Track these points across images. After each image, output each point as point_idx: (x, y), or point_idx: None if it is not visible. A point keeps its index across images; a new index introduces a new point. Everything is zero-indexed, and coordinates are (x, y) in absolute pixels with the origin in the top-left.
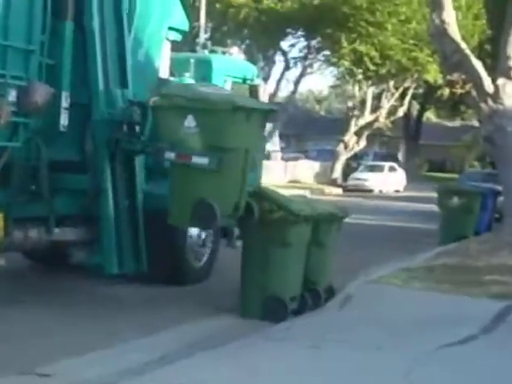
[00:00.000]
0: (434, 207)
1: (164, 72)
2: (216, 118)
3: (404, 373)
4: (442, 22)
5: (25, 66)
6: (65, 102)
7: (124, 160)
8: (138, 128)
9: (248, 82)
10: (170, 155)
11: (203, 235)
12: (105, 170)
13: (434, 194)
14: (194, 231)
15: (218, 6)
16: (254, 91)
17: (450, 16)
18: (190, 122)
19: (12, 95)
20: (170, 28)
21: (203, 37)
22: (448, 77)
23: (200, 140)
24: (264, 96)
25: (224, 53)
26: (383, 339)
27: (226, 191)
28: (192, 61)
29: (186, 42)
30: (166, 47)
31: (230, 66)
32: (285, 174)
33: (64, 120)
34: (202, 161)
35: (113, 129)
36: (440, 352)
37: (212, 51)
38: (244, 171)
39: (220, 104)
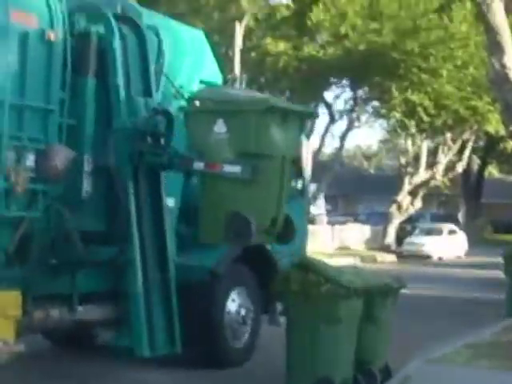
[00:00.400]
0: (500, 274)
1: None
2: (248, 120)
3: None
4: (503, 66)
5: (43, 127)
6: (87, 166)
7: (149, 179)
8: (163, 139)
9: None
10: (199, 165)
11: (243, 311)
12: (128, 192)
13: (500, 259)
14: (232, 307)
15: (253, 54)
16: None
17: (511, 60)
18: (220, 126)
19: (29, 159)
20: (202, 81)
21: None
22: (511, 127)
23: (232, 147)
24: (307, 154)
25: None
26: None
27: (261, 203)
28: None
29: None
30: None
31: None
32: (332, 239)
33: (87, 186)
34: (234, 169)
35: (136, 140)
36: None
37: None
38: (281, 181)
39: (252, 105)
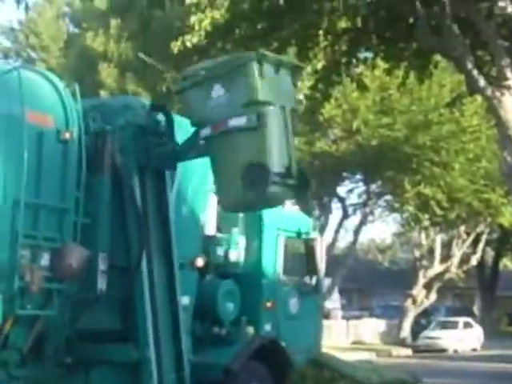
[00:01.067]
0: None
1: (210, 228)
2: (243, 73)
3: None
4: None
5: (58, 225)
6: (102, 265)
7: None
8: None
9: (303, 236)
10: (206, 131)
11: None
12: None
13: None
14: None
15: None
16: (309, 246)
17: None
18: (217, 91)
19: (45, 258)
20: None
21: None
22: None
23: (233, 105)
24: (321, 250)
25: None
26: None
27: (272, 151)
28: (241, 215)
29: None
30: (213, 201)
31: (283, 220)
32: (347, 334)
33: (101, 284)
34: (240, 121)
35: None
36: None
37: None
38: (286, 129)
39: (244, 58)
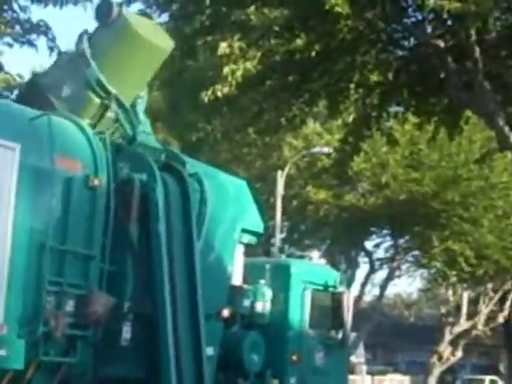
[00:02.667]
0: None
1: (237, 279)
2: None
3: None
4: None
5: (84, 272)
6: (127, 313)
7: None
8: None
9: (330, 289)
10: None
11: None
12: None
13: None
14: None
15: (294, 202)
16: (336, 299)
17: None
18: None
19: (69, 305)
20: (244, 230)
21: (279, 237)
22: None
23: None
24: (349, 304)
25: (303, 257)
26: None
27: None
28: (268, 266)
29: (260, 242)
30: (239, 251)
31: (311, 272)
32: None
33: (126, 333)
34: None
35: None
36: None
37: (290, 255)
38: None
39: None
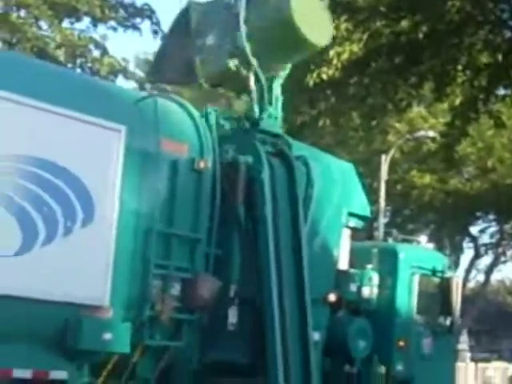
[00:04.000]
0: None
1: (343, 263)
2: None
3: None
4: None
5: (190, 256)
6: (233, 297)
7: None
8: None
9: (438, 274)
10: None
11: None
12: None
13: None
14: None
15: (399, 187)
16: (445, 285)
17: None
18: None
19: (176, 288)
20: (350, 214)
21: (382, 222)
22: None
23: None
24: (457, 290)
25: (410, 241)
26: None
27: None
28: (375, 251)
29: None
30: (346, 235)
31: (418, 257)
32: (475, 377)
33: (233, 317)
34: None
35: None
36: None
37: (397, 239)
38: None
39: None
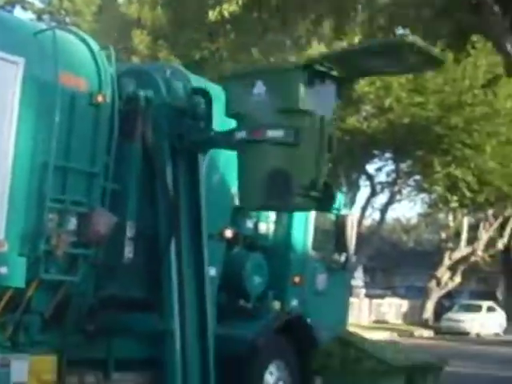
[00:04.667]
0: None
1: None
2: (287, 78)
3: None
4: None
5: (87, 190)
6: (130, 233)
7: (191, 245)
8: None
9: (334, 211)
10: (242, 134)
11: None
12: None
13: None
14: (270, 380)
15: None
16: (340, 222)
17: None
18: (259, 88)
19: (72, 223)
20: None
21: None
22: None
23: (272, 106)
24: (352, 227)
25: None
26: None
27: (301, 163)
28: None
29: None
30: None
31: None
32: (369, 313)
33: (128, 252)
34: (277, 134)
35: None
36: None
37: None
38: (322, 141)
39: (291, 64)
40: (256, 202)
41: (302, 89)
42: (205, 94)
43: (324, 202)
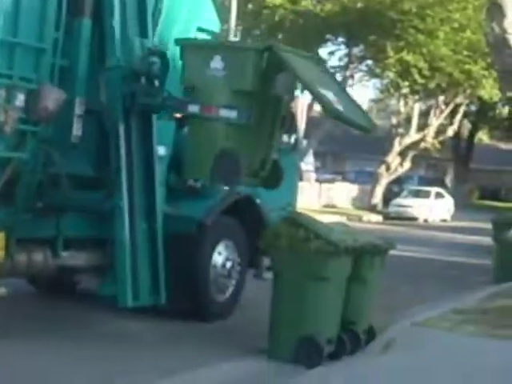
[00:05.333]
0: (487, 240)
1: None
2: (246, 58)
3: None
4: (504, 31)
5: (35, 66)
6: (78, 110)
7: (141, 125)
8: (157, 81)
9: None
10: (194, 108)
11: (229, 264)
12: (119, 137)
13: (486, 225)
14: (218, 259)
15: (250, 6)
16: (289, 103)
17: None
18: (216, 63)
19: (19, 99)
20: (200, 29)
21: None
22: (508, 93)
23: (227, 84)
24: (301, 109)
25: None
26: None
27: (251, 144)
28: None
29: None
30: None
31: None
32: (319, 197)
33: (77, 130)
34: (230, 114)
35: (129, 79)
36: None
37: None
38: (274, 123)
39: (251, 44)
40: (200, 176)
41: (259, 71)
42: (162, 55)
43: (271, 181)
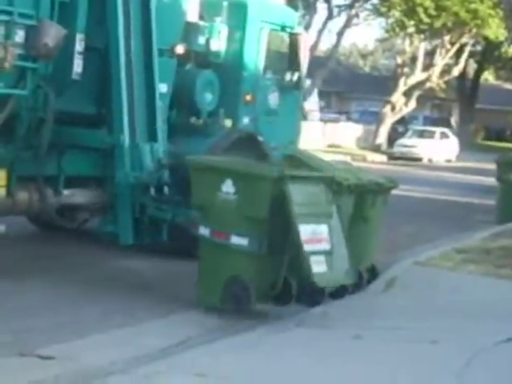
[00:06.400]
0: (491, 180)
1: (192, 15)
2: (259, 187)
3: (456, 371)
4: None
5: (35, 2)
6: (79, 46)
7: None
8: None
9: (287, 30)
10: (205, 231)
11: None
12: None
13: (490, 166)
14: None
15: None
16: (293, 41)
17: None
18: (228, 187)
19: (19, 36)
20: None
21: None
22: None
23: (239, 210)
24: (305, 47)
25: None
26: (433, 329)
27: (263, 271)
28: (225, 4)
29: None
30: None
31: (268, 12)
32: (323, 136)
33: (77, 67)
34: (241, 241)
35: (138, 192)
36: (499, 348)
37: None
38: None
39: (264, 171)
40: (211, 302)
41: (273, 199)
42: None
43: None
